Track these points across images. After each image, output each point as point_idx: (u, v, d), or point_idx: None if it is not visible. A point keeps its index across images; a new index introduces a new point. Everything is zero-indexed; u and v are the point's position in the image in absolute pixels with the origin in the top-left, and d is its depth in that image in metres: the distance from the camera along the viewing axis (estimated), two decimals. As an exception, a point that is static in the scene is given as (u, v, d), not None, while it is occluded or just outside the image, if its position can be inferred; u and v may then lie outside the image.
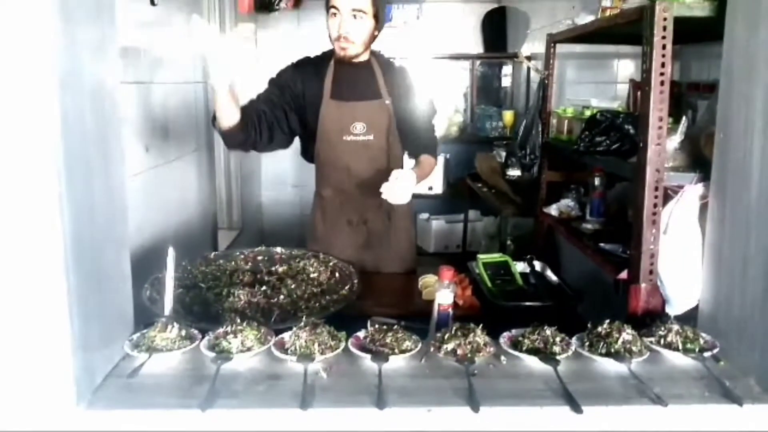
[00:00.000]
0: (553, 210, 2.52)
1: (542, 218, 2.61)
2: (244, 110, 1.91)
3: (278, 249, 2.06)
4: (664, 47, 1.56)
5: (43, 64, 1.07)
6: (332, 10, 1.93)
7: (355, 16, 1.92)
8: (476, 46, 5.18)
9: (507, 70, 5.10)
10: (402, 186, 1.81)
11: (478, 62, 5.02)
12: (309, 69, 2.09)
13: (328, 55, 2.10)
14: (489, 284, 1.95)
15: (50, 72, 1.07)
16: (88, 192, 1.20)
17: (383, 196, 1.81)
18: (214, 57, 1.69)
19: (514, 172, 2.71)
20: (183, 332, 1.37)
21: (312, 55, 2.16)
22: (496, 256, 2.15)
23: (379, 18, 1.98)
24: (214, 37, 1.71)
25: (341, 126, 2.06)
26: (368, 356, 1.31)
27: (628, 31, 1.83)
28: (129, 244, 1.45)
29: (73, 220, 1.12)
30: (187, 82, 2.96)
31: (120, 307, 1.38)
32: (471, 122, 4.89)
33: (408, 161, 2.21)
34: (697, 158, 1.69)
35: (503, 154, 3.37)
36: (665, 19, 1.55)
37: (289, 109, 2.05)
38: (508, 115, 4.54)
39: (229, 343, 1.31)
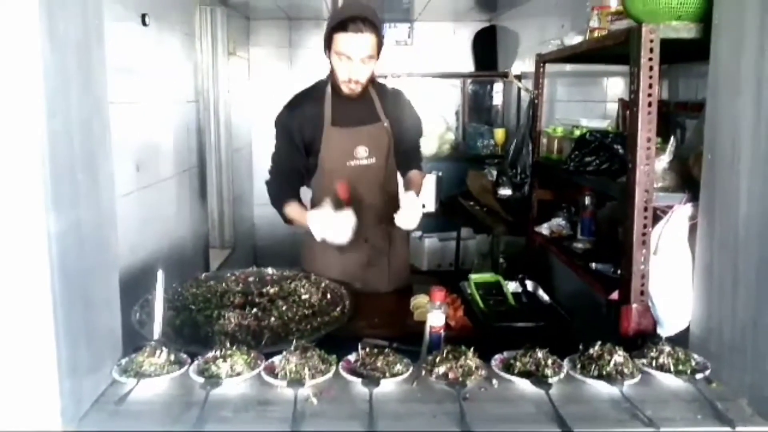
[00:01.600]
0: (544, 229, 2.52)
1: (534, 237, 2.61)
2: (296, 187, 2.16)
3: (269, 270, 2.06)
4: (651, 69, 1.57)
5: (30, 88, 1.06)
6: (342, 57, 1.97)
7: (364, 61, 1.98)
8: (467, 65, 5.24)
9: (498, 87, 5.15)
10: (414, 213, 1.95)
11: (469, 81, 5.06)
12: (304, 103, 2.12)
13: (322, 85, 2.15)
14: (481, 304, 1.95)
15: (37, 96, 1.07)
16: (75, 215, 1.19)
17: (397, 224, 1.95)
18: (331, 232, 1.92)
19: (505, 191, 2.72)
20: (172, 357, 1.36)
21: (303, 89, 2.21)
22: (487, 276, 2.15)
23: (380, 53, 2.04)
24: (331, 219, 1.92)
25: (345, 152, 2.10)
26: (359, 380, 1.30)
27: (616, 51, 1.84)
28: (119, 265, 1.44)
29: (60, 245, 1.11)
30: (178, 102, 2.96)
31: (108, 331, 1.36)
32: (463, 140, 4.92)
33: (401, 179, 2.29)
34: (686, 178, 1.70)
35: (494, 172, 3.38)
36: (652, 41, 1.57)
37: (301, 149, 2.12)
38: (499, 133, 4.56)
39: (219, 367, 1.30)
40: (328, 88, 2.11)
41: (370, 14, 1.96)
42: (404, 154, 2.25)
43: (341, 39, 1.95)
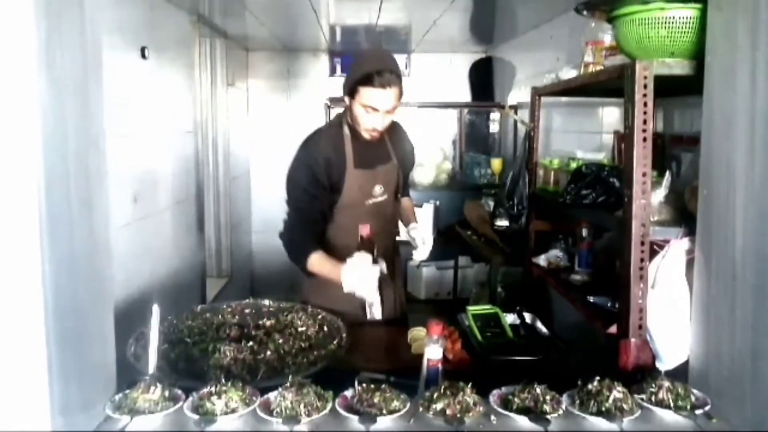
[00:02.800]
0: (541, 260, 2.52)
1: (531, 268, 2.61)
2: (320, 234, 2.12)
3: (266, 301, 2.05)
4: (645, 104, 1.59)
5: (27, 122, 1.07)
6: (368, 109, 1.98)
7: (388, 112, 2.00)
8: (464, 95, 5.29)
9: (495, 117, 5.19)
10: (430, 246, 2.19)
11: (465, 111, 5.10)
12: (327, 146, 2.10)
13: (337, 126, 2.15)
14: (479, 337, 1.93)
15: (34, 130, 1.08)
16: (70, 250, 1.19)
17: (416, 259, 2.19)
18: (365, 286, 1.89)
19: (502, 222, 2.73)
20: (166, 393, 1.34)
21: (319, 131, 2.19)
22: (485, 308, 2.15)
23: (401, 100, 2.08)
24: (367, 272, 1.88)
25: (365, 192, 2.15)
26: (356, 417, 1.28)
27: (610, 85, 1.87)
28: (115, 297, 1.44)
29: (54, 281, 1.11)
30: (177, 133, 2.98)
31: (102, 366, 1.35)
32: (460, 169, 4.94)
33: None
34: (683, 212, 1.70)
35: (491, 203, 3.39)
36: (645, 78, 1.59)
37: (327, 192, 2.10)
38: (496, 163, 4.59)
39: (213, 404, 1.28)
40: (346, 130, 2.12)
41: (395, 66, 1.98)
42: (403, 184, 2.34)
43: (368, 93, 1.95)
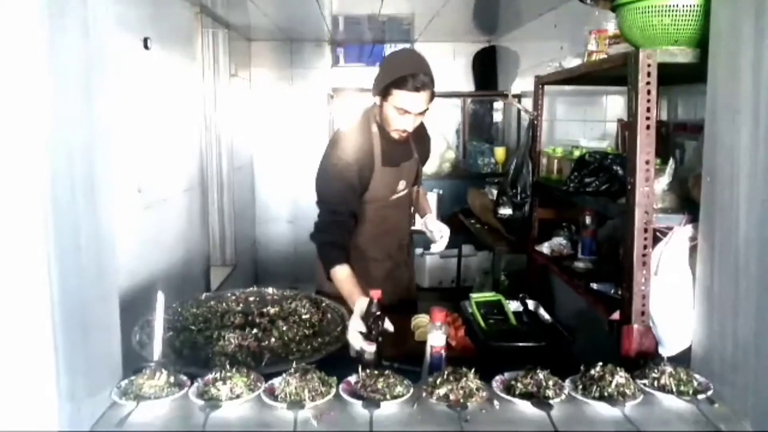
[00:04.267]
0: (545, 248, 2.52)
1: (534, 256, 2.61)
2: (350, 232, 2.08)
3: (270, 289, 2.06)
4: (649, 92, 1.59)
5: (32, 116, 1.08)
6: (400, 111, 1.97)
7: (420, 113, 2.01)
8: (467, 84, 5.27)
9: (498, 106, 5.18)
10: (447, 238, 2.27)
11: (469, 100, 5.09)
12: (357, 145, 2.09)
13: (365, 124, 2.14)
14: (482, 324, 1.94)
15: (39, 123, 1.09)
16: (76, 242, 1.20)
17: (434, 251, 2.30)
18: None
19: (506, 211, 2.72)
20: (171, 379, 1.35)
21: (347, 129, 2.17)
22: (489, 295, 2.15)
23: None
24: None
25: (391, 188, 2.18)
26: (359, 402, 1.29)
27: (614, 74, 1.86)
28: (120, 286, 1.45)
29: (60, 272, 1.12)
30: (180, 123, 2.98)
31: (108, 354, 1.36)
32: (463, 158, 4.94)
33: None
34: (686, 199, 1.70)
35: (494, 191, 3.39)
36: (649, 66, 1.58)
37: (358, 191, 2.10)
38: (499, 152, 4.58)
39: (218, 390, 1.29)
40: (374, 129, 2.12)
41: (428, 69, 1.97)
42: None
43: (401, 96, 1.94)
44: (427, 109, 2.02)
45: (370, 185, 2.11)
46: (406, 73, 1.92)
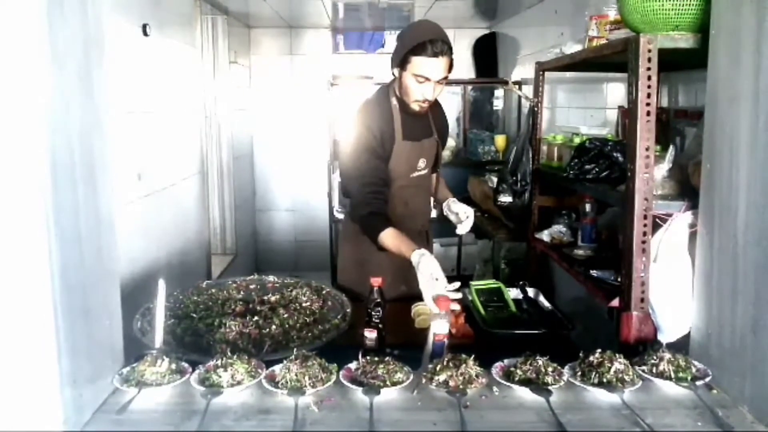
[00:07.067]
0: (545, 236, 2.52)
1: (534, 244, 2.61)
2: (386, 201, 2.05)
3: (271, 277, 2.07)
4: (649, 78, 1.58)
5: (32, 103, 1.08)
6: (420, 79, 1.97)
7: (439, 82, 2.00)
8: (468, 72, 5.24)
9: (499, 94, 5.16)
10: (471, 221, 2.14)
11: (469, 87, 5.06)
12: (379, 117, 2.09)
13: (384, 97, 2.14)
14: (482, 311, 1.95)
15: (39, 110, 1.08)
16: (76, 227, 1.20)
17: (459, 233, 2.16)
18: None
19: (506, 198, 2.72)
20: (173, 366, 1.36)
21: (369, 101, 2.17)
22: (489, 283, 2.16)
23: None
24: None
25: (411, 165, 2.17)
26: (360, 389, 1.30)
27: (615, 60, 1.85)
28: (121, 274, 1.45)
29: (61, 258, 1.12)
30: (180, 110, 2.98)
31: (109, 341, 1.37)
32: (463, 146, 4.92)
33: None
34: (686, 186, 1.70)
35: (495, 179, 3.39)
36: (650, 51, 1.58)
37: (385, 160, 2.10)
38: (500, 140, 4.57)
39: (219, 376, 1.30)
40: (394, 101, 2.12)
41: (445, 36, 1.98)
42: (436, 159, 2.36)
43: (421, 62, 1.94)
44: (446, 77, 2.00)
45: (391, 158, 2.10)
46: (425, 39, 1.93)
